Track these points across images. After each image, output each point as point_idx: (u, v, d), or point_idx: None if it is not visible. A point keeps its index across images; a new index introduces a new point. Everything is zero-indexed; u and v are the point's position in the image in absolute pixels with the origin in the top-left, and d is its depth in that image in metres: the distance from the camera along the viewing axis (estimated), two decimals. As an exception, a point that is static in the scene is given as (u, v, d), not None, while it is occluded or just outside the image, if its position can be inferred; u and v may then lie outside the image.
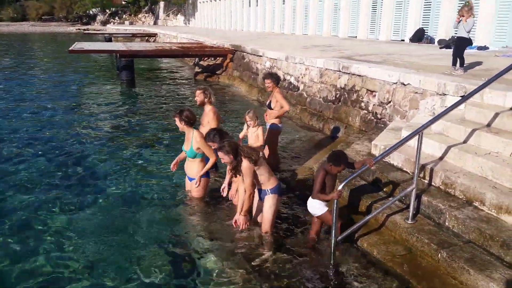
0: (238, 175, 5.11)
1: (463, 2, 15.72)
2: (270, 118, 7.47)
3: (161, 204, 6.34)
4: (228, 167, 5.31)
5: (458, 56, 8.31)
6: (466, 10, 8.10)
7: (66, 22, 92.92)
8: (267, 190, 5.16)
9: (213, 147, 5.49)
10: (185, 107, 6.76)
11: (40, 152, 8.69)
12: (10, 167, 7.90)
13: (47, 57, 31.26)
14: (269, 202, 5.20)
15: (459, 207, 4.75)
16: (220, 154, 5.02)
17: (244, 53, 17.65)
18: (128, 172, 7.62)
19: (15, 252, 5.10)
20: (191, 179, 6.30)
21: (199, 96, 6.76)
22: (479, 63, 9.45)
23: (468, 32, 8.25)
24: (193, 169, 6.17)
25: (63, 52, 28.86)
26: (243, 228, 5.31)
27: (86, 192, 6.77)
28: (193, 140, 5.96)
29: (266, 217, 5.26)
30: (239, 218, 5.28)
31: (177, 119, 5.99)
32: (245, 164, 4.90)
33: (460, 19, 8.21)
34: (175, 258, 5.00)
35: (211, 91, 6.92)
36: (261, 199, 5.31)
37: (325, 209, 4.93)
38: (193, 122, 6.04)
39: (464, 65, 8.30)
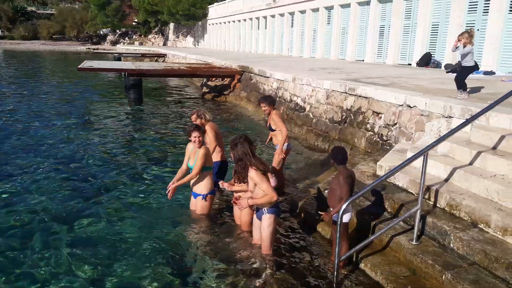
0: (243, 182, 5.10)
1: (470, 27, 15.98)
2: (276, 141, 7.48)
3: (164, 221, 6.31)
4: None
5: (458, 81, 8.27)
6: (466, 36, 7.99)
7: (77, 42, 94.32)
8: (264, 209, 5.09)
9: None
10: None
11: (46, 167, 8.73)
12: (16, 178, 7.96)
13: (56, 74, 31.63)
14: (266, 222, 5.12)
15: (464, 229, 4.71)
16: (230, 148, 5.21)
17: (252, 74, 17.78)
18: (133, 188, 7.64)
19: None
20: (196, 195, 6.26)
21: (196, 121, 6.72)
22: (485, 88, 9.46)
23: (464, 57, 8.08)
24: (200, 184, 6.16)
25: (72, 70, 29.25)
26: (240, 207, 5.27)
27: (90, 207, 6.78)
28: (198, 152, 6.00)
29: (265, 237, 5.19)
30: (243, 200, 5.17)
31: (197, 133, 6.02)
32: (253, 173, 4.91)
33: (458, 44, 8.13)
34: (176, 277, 4.96)
35: (203, 109, 6.98)
36: (258, 218, 5.27)
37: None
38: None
39: (467, 89, 8.27)
